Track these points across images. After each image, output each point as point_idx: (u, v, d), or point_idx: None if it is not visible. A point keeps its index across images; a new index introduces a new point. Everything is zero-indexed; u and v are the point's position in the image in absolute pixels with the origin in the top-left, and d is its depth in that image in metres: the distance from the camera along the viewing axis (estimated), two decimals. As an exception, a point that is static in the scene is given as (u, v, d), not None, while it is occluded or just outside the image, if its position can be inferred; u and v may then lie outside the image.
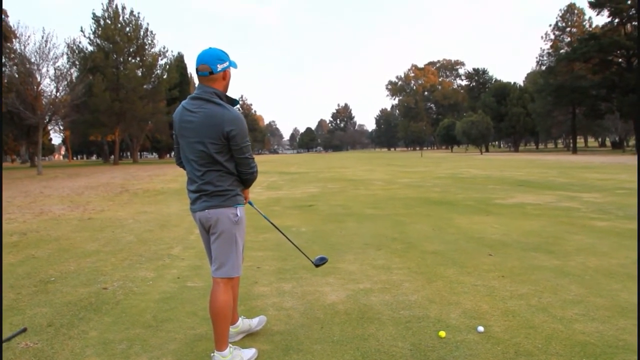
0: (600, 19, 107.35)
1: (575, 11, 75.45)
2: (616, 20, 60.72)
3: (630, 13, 58.48)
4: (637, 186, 11.82)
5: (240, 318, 3.67)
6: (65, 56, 48.35)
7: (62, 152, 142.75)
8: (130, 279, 5.35)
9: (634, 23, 59.85)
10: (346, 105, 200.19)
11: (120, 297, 4.69)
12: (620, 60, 60.42)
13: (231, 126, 3.01)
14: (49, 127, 54.43)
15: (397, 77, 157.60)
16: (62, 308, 4.39)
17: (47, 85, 59.15)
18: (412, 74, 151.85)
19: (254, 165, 3.21)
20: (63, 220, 10.11)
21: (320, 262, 4.07)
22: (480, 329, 3.65)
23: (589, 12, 72.25)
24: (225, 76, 3.13)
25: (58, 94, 38.48)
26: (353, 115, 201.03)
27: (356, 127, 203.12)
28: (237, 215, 3.15)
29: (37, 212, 11.64)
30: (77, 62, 50.86)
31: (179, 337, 3.68)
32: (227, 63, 3.12)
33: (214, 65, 3.06)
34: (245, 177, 3.21)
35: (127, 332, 3.80)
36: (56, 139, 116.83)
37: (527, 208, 10.41)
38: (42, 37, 41.91)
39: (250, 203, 3.62)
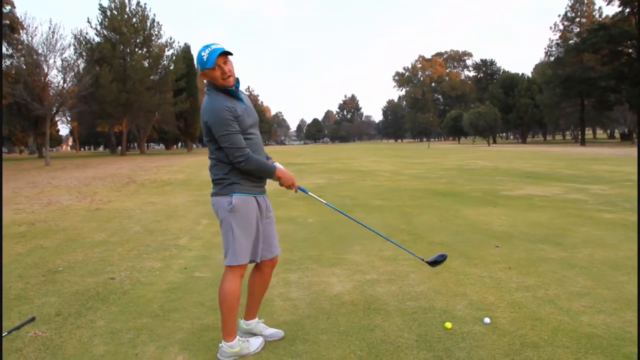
0: (610, 8, 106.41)
1: (585, 1, 74.59)
2: (627, 9, 59.99)
3: (642, 2, 57.76)
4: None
5: (257, 319, 3.54)
6: (72, 47, 48.41)
7: (70, 143, 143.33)
8: (138, 269, 5.38)
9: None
10: (353, 96, 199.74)
11: (128, 287, 4.72)
12: (630, 50, 59.78)
13: (206, 116, 3.01)
14: (57, 118, 54.60)
15: (404, 68, 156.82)
16: (70, 297, 4.43)
17: (55, 77, 59.06)
18: (419, 65, 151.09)
19: (239, 155, 3.00)
20: (71, 211, 10.16)
21: (439, 259, 3.66)
22: (487, 320, 3.65)
23: (599, 2, 71.60)
24: (205, 76, 3.05)
25: (65, 85, 38.60)
26: (360, 106, 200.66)
27: (363, 118, 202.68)
28: (231, 204, 3.06)
29: (45, 202, 11.71)
30: (84, 53, 50.93)
31: (186, 327, 3.70)
32: (199, 67, 3.05)
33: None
34: (237, 167, 3.07)
35: (134, 321, 3.83)
36: (64, 130, 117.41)
37: (535, 200, 10.37)
38: (49, 28, 41.78)
39: (301, 189, 3.47)
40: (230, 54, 3.03)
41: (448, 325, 3.57)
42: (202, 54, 2.98)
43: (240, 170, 3.07)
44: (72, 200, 12.01)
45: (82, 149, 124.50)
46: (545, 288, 4.41)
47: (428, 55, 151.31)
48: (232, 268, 3.16)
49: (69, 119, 65.55)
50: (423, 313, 3.86)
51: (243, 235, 3.13)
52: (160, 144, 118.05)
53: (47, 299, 4.39)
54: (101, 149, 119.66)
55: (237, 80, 3.10)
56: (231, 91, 3.07)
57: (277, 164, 3.28)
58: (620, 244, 6.08)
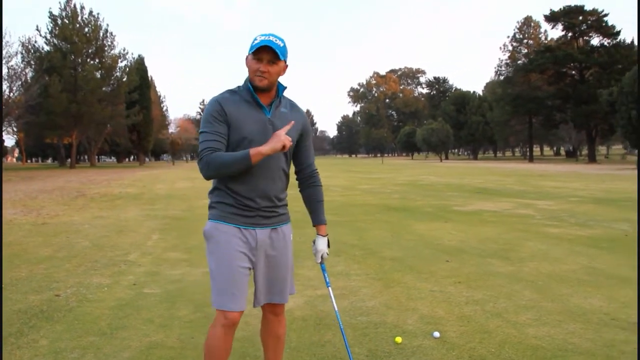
0: (555, 32, 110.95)
1: (532, 24, 77.63)
2: (569, 34, 63.03)
3: (582, 28, 60.78)
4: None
5: None
6: (19, 55, 47.09)
7: (16, 154, 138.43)
8: (85, 286, 5.22)
9: (585, 38, 62.29)
10: (308, 111, 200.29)
11: (74, 305, 4.57)
12: (573, 72, 62.60)
13: None
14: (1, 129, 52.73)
15: (359, 84, 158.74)
16: (12, 316, 4.25)
17: None
18: (374, 81, 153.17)
19: (199, 157, 2.42)
20: (15, 225, 9.79)
21: None
22: (436, 334, 3.70)
23: (545, 25, 74.53)
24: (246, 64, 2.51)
25: (11, 94, 37.39)
26: (315, 121, 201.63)
27: (317, 133, 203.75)
28: (205, 232, 2.57)
29: (-12, 216, 11.25)
30: (32, 62, 49.53)
31: (134, 345, 3.61)
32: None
33: None
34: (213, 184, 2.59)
35: (80, 340, 3.71)
36: (9, 141, 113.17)
37: (485, 215, 10.62)
38: (-5, 35, 40.44)
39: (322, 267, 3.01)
40: (278, 57, 2.41)
41: (398, 339, 3.60)
42: (257, 37, 2.43)
43: (219, 187, 2.54)
44: (16, 214, 11.57)
45: (29, 161, 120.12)
46: (494, 302, 4.51)
47: (382, 72, 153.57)
48: (217, 312, 2.53)
49: (15, 129, 63.31)
50: (374, 328, 3.89)
51: (219, 273, 2.51)
52: (112, 157, 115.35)
53: (-14, 318, 4.20)
54: (49, 161, 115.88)
55: (280, 88, 2.56)
56: (252, 90, 2.47)
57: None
58: (565, 258, 6.30)
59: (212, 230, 2.53)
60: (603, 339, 3.58)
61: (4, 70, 43.17)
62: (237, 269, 2.49)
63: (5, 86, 38.88)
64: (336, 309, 2.87)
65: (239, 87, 2.56)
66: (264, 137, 2.44)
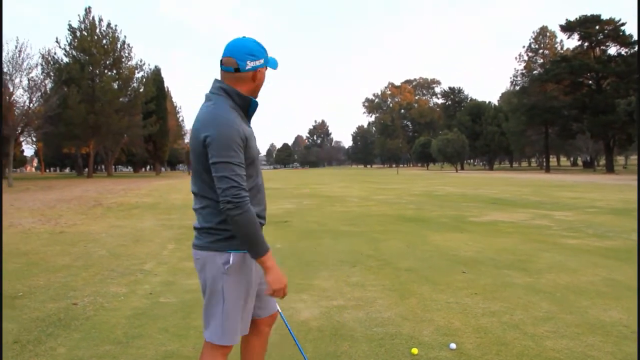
0: (571, 42, 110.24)
1: (548, 34, 77.27)
2: (586, 44, 62.64)
3: (599, 37, 60.35)
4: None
5: None
6: (39, 67, 47.74)
7: (35, 164, 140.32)
8: (101, 295, 5.26)
9: (602, 47, 61.82)
10: (323, 121, 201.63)
11: (91, 313, 4.60)
12: (590, 82, 62.10)
13: (207, 130, 2.17)
14: (21, 139, 53.48)
15: (373, 95, 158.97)
16: (30, 324, 4.29)
17: (20, 96, 58.06)
18: (389, 92, 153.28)
19: (236, 193, 2.13)
20: (33, 234, 9.91)
21: None
22: (453, 346, 3.67)
23: (561, 35, 74.11)
24: (255, 77, 2.31)
25: (31, 105, 37.98)
26: (330, 131, 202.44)
27: (333, 143, 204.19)
28: (227, 263, 2.29)
29: (6, 225, 11.38)
30: (51, 74, 50.29)
31: (150, 354, 3.62)
32: (262, 61, 2.31)
33: (243, 62, 2.26)
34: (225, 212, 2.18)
35: (97, 348, 3.73)
36: (28, 150, 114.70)
37: (501, 226, 10.53)
38: (16, 47, 40.93)
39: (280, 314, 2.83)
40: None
41: (415, 351, 3.58)
42: (263, 50, 2.34)
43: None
44: (35, 223, 11.71)
45: (48, 171, 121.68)
46: (511, 313, 4.46)
47: (397, 82, 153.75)
48: (217, 347, 2.36)
49: (34, 139, 64.20)
50: (390, 339, 3.87)
51: (237, 306, 2.33)
52: (128, 167, 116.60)
53: (4, 326, 4.23)
54: (67, 170, 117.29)
55: None
56: (253, 105, 2.35)
57: None
58: (583, 269, 6.21)
59: (240, 264, 2.33)
60: (623, 352, 3.53)
61: (24, 82, 43.87)
62: (253, 297, 2.46)
63: (25, 97, 39.46)
64: (279, 309, 2.82)
65: (226, 102, 2.27)
66: (257, 155, 2.40)
